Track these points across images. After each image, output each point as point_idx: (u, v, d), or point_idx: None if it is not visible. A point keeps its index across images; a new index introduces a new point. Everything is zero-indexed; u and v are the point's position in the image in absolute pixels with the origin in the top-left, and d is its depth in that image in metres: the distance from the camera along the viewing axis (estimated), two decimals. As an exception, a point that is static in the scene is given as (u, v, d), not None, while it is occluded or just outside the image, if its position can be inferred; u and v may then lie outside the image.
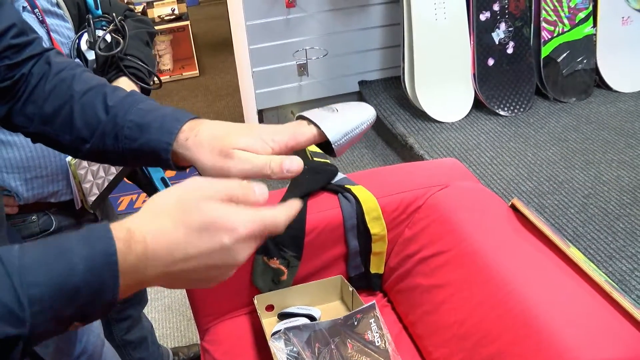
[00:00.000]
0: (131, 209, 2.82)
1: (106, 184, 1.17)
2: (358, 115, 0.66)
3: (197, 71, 4.59)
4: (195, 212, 0.49)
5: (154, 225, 0.49)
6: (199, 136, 0.64)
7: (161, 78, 1.25)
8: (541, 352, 1.03)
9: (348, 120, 0.66)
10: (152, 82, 1.19)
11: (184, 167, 0.67)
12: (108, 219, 1.33)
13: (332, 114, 0.66)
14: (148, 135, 0.65)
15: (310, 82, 2.92)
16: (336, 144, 0.65)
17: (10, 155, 1.01)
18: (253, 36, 2.75)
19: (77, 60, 1.10)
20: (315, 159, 2.71)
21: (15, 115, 0.71)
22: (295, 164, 0.60)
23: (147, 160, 0.68)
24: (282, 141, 0.63)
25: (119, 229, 0.48)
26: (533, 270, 1.19)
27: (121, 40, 1.10)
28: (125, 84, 1.09)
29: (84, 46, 1.09)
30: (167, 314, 2.22)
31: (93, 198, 1.17)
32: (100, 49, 1.08)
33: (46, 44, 1.02)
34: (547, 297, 1.11)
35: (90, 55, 1.10)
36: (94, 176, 1.15)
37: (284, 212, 0.54)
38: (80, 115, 0.68)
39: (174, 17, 4.59)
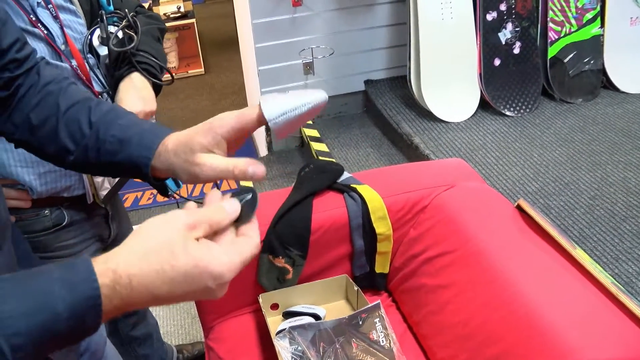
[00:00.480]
0: (136, 206, 2.83)
1: (117, 179, 1.18)
2: (301, 97, 0.66)
3: (203, 69, 4.60)
4: (181, 256, 0.50)
5: (140, 268, 0.49)
6: (168, 146, 0.67)
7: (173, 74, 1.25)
8: (545, 353, 1.03)
9: (289, 100, 0.66)
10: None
11: (162, 179, 0.71)
12: (118, 214, 1.33)
13: (280, 95, 0.66)
14: (129, 150, 0.68)
15: (316, 81, 2.92)
16: (272, 122, 0.65)
17: (24, 150, 1.02)
18: (259, 34, 2.75)
19: (90, 56, 1.10)
20: (320, 157, 2.72)
21: (2, 123, 0.74)
22: (258, 171, 0.63)
23: (128, 174, 0.71)
24: (229, 125, 0.65)
25: (103, 272, 0.48)
26: (538, 271, 1.19)
27: (134, 36, 1.10)
28: (137, 79, 1.09)
29: (96, 42, 1.10)
30: (171, 312, 2.22)
31: (104, 192, 1.17)
32: (113, 45, 1.08)
33: (60, 39, 1.02)
34: (552, 299, 1.11)
35: (102, 51, 1.10)
36: None
37: (255, 240, 0.57)
38: (64, 128, 0.72)
39: (179, 14, 4.60)
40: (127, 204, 2.82)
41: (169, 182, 0.71)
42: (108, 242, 1.30)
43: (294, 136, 3.08)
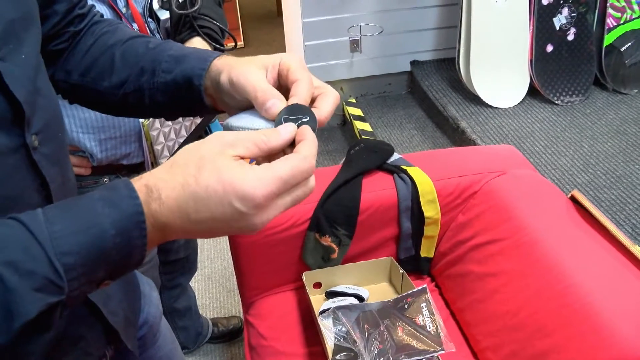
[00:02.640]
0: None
1: (176, 146, 1.17)
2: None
3: (242, 42, 4.58)
4: (207, 169, 0.47)
5: (167, 180, 0.48)
6: (229, 59, 0.62)
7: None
8: (600, 350, 0.99)
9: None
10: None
11: (215, 110, 0.65)
12: None
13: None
14: (184, 64, 0.64)
15: (362, 59, 2.87)
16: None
17: (86, 115, 1.02)
18: (307, 9, 2.71)
19: (150, 20, 1.09)
20: (363, 137, 2.69)
21: (57, 72, 0.72)
22: (276, 105, 0.55)
23: (179, 97, 0.66)
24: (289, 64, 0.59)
25: (139, 187, 0.47)
26: (594, 265, 1.15)
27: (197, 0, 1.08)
28: (198, 44, 1.08)
29: (156, 5, 1.08)
30: (207, 284, 2.24)
31: (164, 161, 1.17)
32: (175, 8, 1.06)
33: (122, 2, 1.02)
34: (609, 294, 1.07)
35: (163, 15, 1.08)
36: (165, 138, 1.15)
37: (303, 154, 0.50)
38: (121, 58, 0.68)
39: (222, -13, 4.58)
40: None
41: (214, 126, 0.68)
42: None
43: (336, 114, 3.05)
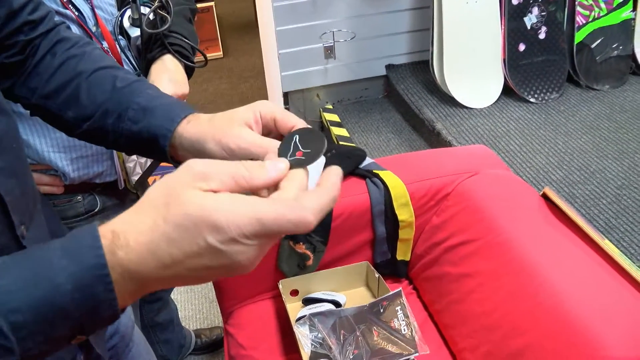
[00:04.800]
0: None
1: (149, 163, 1.17)
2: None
3: (221, 53, 4.58)
4: (176, 204, 0.41)
5: (134, 224, 0.42)
6: (201, 117, 0.62)
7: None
8: (573, 348, 1.00)
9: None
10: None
11: (178, 161, 0.64)
12: None
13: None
14: (151, 119, 0.63)
15: (337, 65, 2.88)
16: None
17: (57, 135, 1.01)
18: (280, 17, 2.72)
19: (120, 37, 1.08)
20: (340, 143, 2.69)
21: (18, 87, 0.70)
22: (275, 175, 0.49)
23: (142, 148, 0.65)
24: (272, 110, 0.60)
25: (104, 234, 0.42)
26: (566, 263, 1.16)
27: (167, 17, 1.08)
28: (169, 61, 1.07)
29: (126, 23, 1.07)
30: (189, 296, 2.23)
31: (136, 177, 1.16)
32: (145, 26, 1.06)
33: (91, 21, 1.01)
34: (580, 291, 1.08)
35: (133, 33, 1.08)
36: (137, 156, 1.14)
37: (303, 203, 0.43)
38: (87, 92, 0.67)
39: (199, -3, 4.58)
40: (146, 187, 2.83)
41: None
42: None
43: (314, 121, 3.05)
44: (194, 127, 0.62)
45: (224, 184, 0.43)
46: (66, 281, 0.40)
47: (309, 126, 0.57)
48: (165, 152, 0.63)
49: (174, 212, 0.41)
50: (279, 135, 0.62)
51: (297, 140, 0.51)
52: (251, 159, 0.51)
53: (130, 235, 0.42)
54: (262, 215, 0.41)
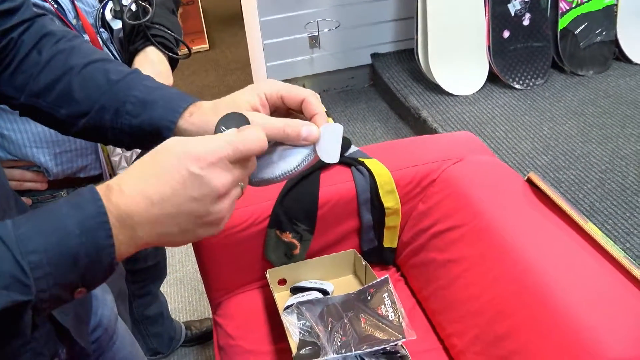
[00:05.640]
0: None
1: (135, 156, 1.16)
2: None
3: (207, 45, 4.55)
4: (162, 153, 0.49)
5: (125, 176, 0.49)
6: (204, 106, 0.62)
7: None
8: (557, 329, 1.01)
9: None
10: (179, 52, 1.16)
11: None
12: None
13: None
14: (151, 111, 0.62)
15: (322, 55, 2.88)
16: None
17: (39, 130, 0.99)
18: (264, 8, 2.70)
19: (102, 30, 1.07)
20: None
21: (3, 86, 0.67)
22: (313, 132, 0.57)
23: (145, 141, 0.64)
24: (277, 89, 0.60)
25: (100, 188, 0.49)
26: (550, 246, 1.17)
27: (149, 8, 1.06)
28: (153, 53, 1.06)
29: (108, 15, 1.06)
30: (179, 288, 2.22)
31: (122, 172, 1.15)
32: (127, 18, 1.04)
33: (71, 13, 0.99)
34: (564, 274, 1.09)
35: (116, 25, 1.06)
36: (122, 149, 1.13)
37: (256, 130, 0.53)
38: (79, 87, 0.65)
39: (183, -11, 4.53)
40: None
41: None
42: None
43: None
44: (199, 117, 0.61)
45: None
46: (75, 227, 0.46)
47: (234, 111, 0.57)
48: None
49: (162, 156, 0.49)
50: (286, 111, 0.62)
51: (223, 125, 0.56)
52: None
53: (122, 183, 0.49)
54: (232, 139, 0.50)
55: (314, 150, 0.58)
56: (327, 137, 0.58)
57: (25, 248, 0.44)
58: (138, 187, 0.48)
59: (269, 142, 0.55)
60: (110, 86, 0.64)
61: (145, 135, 0.63)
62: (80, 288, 0.48)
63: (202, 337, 1.97)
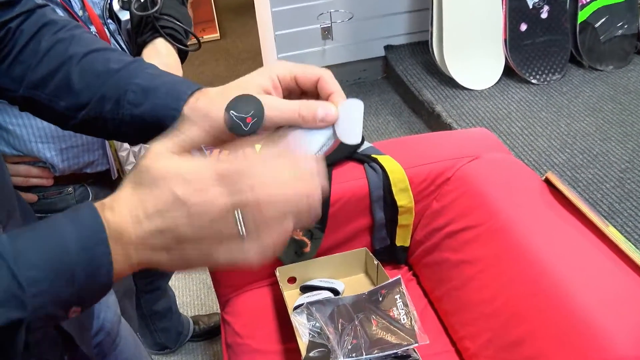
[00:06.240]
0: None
1: (143, 151, 1.13)
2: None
3: (218, 34, 4.51)
4: (146, 170, 0.46)
5: (116, 193, 0.47)
6: (211, 92, 0.57)
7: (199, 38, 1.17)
8: (575, 335, 0.98)
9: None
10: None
11: None
12: None
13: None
14: (154, 99, 0.58)
15: (335, 46, 2.84)
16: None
17: (44, 125, 0.97)
18: (276, -2, 2.67)
19: (110, 21, 1.04)
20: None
21: (1, 77, 0.64)
22: (330, 112, 0.53)
23: (147, 132, 0.59)
24: (289, 70, 0.56)
25: (97, 205, 0.47)
26: (568, 249, 1.13)
27: None
28: (161, 45, 1.02)
29: (116, 6, 1.03)
30: (187, 282, 2.21)
31: (130, 167, 1.13)
32: (135, 9, 1.01)
33: (77, 4, 0.96)
34: (583, 278, 1.06)
35: (123, 16, 1.03)
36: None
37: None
38: (79, 77, 0.61)
39: (195, -22, 4.49)
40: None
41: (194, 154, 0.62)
42: None
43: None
44: (205, 104, 0.56)
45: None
46: (73, 244, 0.44)
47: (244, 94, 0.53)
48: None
49: (145, 176, 0.45)
50: (299, 94, 0.58)
51: (233, 110, 0.52)
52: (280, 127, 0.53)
53: (113, 200, 0.46)
54: (220, 164, 0.45)
55: (335, 133, 0.54)
56: (346, 115, 0.53)
57: (22, 262, 0.42)
58: (125, 203, 0.46)
59: (284, 127, 0.51)
60: (110, 75, 0.61)
61: (148, 126, 0.59)
62: (75, 307, 0.46)
63: (210, 332, 1.95)
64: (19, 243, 0.43)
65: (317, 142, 0.54)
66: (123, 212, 0.45)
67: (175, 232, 0.44)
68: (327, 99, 0.55)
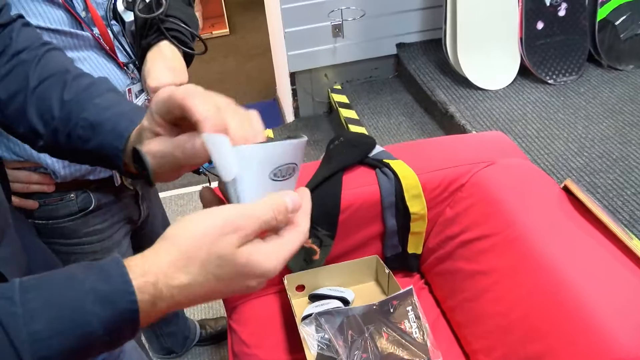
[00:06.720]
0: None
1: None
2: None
3: (228, 30, 4.48)
4: (228, 264, 0.45)
5: (182, 280, 0.44)
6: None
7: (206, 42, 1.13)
8: (596, 353, 0.93)
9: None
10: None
11: (137, 175, 0.60)
12: (148, 194, 1.24)
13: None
14: (100, 136, 0.59)
15: (346, 44, 2.78)
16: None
17: None
18: (286, -5, 2.62)
19: (114, 23, 0.99)
20: (349, 125, 2.61)
21: None
22: (296, 200, 0.51)
23: (103, 164, 0.61)
24: (161, 100, 0.53)
25: (142, 286, 0.43)
26: (588, 262, 1.08)
27: (163, 0, 0.98)
28: (166, 48, 0.99)
29: (120, 7, 0.99)
30: (194, 283, 2.18)
31: None
32: (139, 10, 0.97)
33: (80, 5, 0.92)
34: (604, 292, 1.01)
35: (128, 17, 0.99)
36: None
37: (303, 225, 0.51)
38: (33, 107, 0.62)
39: (205, -27, 4.45)
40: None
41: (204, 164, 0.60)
42: (138, 224, 1.22)
43: (321, 102, 2.96)
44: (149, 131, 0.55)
45: (255, 233, 0.46)
46: (99, 327, 0.42)
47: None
48: (120, 169, 0.60)
49: (228, 270, 0.45)
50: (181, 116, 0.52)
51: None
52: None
53: (175, 290, 0.44)
54: (293, 250, 0.49)
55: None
56: (212, 148, 0.48)
57: (40, 352, 0.40)
58: (191, 297, 0.46)
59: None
60: (62, 107, 0.61)
61: (100, 159, 0.60)
62: None
63: (216, 337, 1.92)
64: (35, 325, 0.41)
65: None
66: (182, 301, 0.46)
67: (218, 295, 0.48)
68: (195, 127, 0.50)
